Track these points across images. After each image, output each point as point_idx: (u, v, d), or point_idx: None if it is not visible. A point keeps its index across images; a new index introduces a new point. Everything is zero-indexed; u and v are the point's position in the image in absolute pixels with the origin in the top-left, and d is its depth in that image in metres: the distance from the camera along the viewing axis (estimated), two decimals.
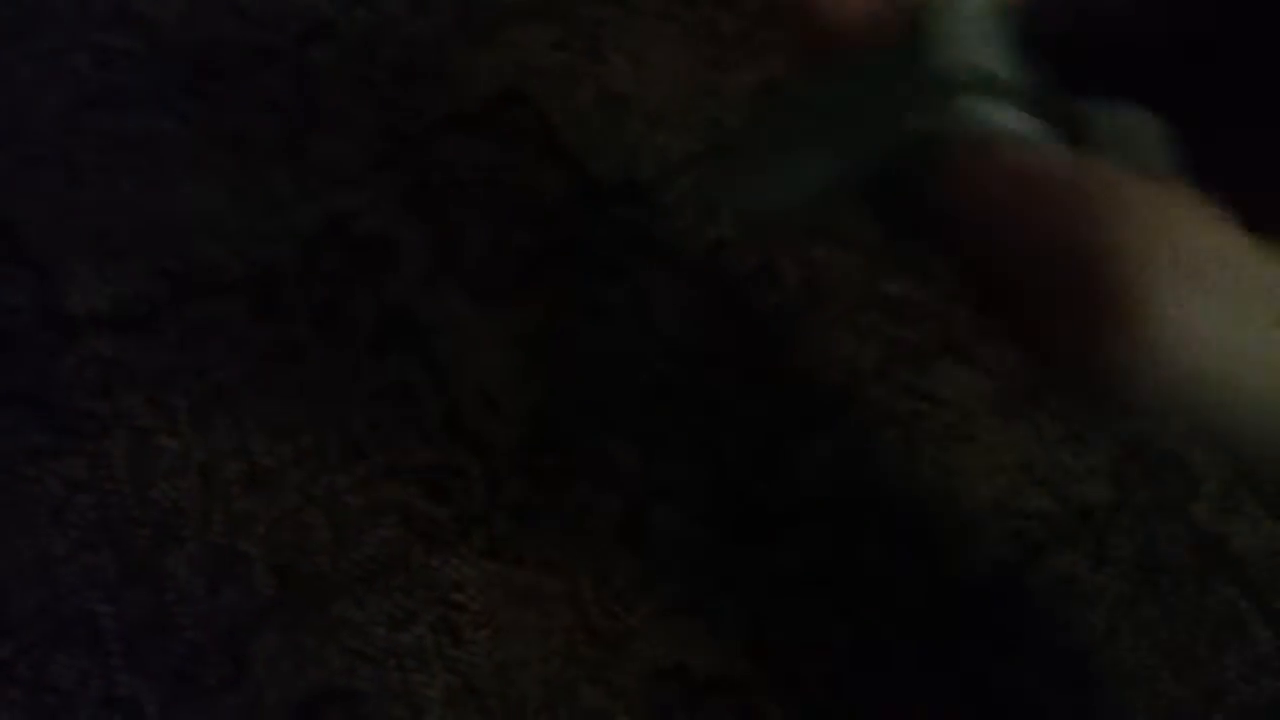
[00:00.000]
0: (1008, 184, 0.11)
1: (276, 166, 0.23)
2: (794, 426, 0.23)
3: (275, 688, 0.20)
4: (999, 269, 0.12)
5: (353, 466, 0.22)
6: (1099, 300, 0.10)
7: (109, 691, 0.19)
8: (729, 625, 0.22)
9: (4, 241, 0.21)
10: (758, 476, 0.23)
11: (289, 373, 0.22)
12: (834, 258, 0.24)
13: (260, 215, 0.22)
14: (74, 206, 0.21)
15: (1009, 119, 0.12)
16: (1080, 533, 0.22)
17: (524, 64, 0.24)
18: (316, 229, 0.23)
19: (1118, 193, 0.11)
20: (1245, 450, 0.11)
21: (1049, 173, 0.11)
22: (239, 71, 0.23)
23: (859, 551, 0.22)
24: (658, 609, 0.22)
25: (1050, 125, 0.12)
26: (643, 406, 0.23)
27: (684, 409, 0.23)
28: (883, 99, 0.12)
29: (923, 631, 0.22)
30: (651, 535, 0.22)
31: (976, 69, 0.12)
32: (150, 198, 0.22)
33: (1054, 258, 0.11)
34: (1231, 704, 0.21)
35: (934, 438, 0.23)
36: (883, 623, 0.22)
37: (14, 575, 0.20)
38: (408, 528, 0.22)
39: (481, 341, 0.23)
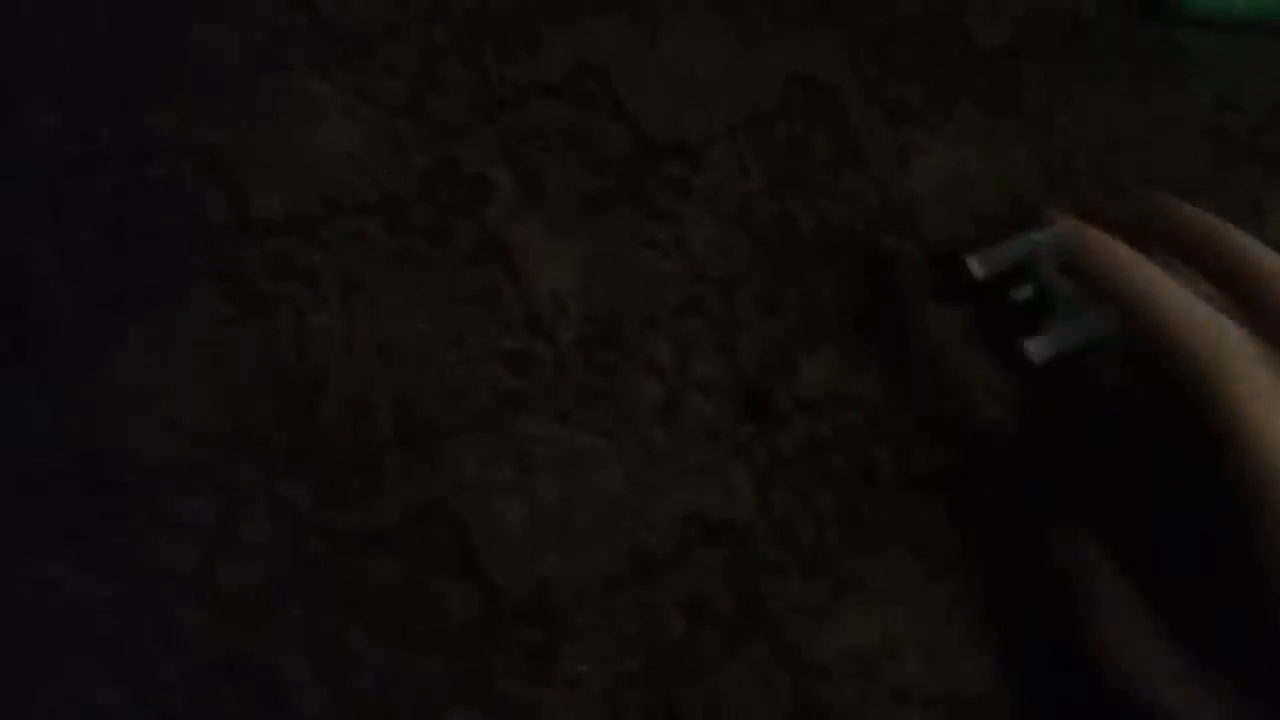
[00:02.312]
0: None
1: (401, 119, 0.39)
2: (799, 341, 0.38)
3: (398, 498, 0.36)
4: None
5: (457, 348, 0.37)
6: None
7: (273, 492, 0.35)
8: (739, 486, 0.37)
9: (204, 164, 0.37)
10: (766, 376, 0.38)
11: (410, 275, 0.37)
12: (841, 213, 0.39)
13: (389, 156, 0.38)
14: (256, 142, 0.37)
15: None
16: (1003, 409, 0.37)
17: (597, 44, 0.40)
18: (432, 168, 0.38)
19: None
20: None
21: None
22: (375, 42, 0.39)
23: (846, 439, 0.38)
24: (682, 466, 0.37)
25: None
26: (679, 317, 0.38)
27: (712, 321, 0.38)
28: None
29: (895, 503, 0.37)
30: (683, 415, 0.38)
31: None
32: (308, 137, 0.38)
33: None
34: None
35: (905, 355, 0.38)
36: (862, 493, 0.37)
37: (206, 400, 0.36)
38: (497, 395, 0.37)
39: (554, 260, 0.38)
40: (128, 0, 0.35)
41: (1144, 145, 0.38)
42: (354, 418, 0.32)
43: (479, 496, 0.32)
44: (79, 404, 0.31)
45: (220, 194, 0.34)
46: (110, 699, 0.29)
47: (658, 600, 0.32)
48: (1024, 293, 0.33)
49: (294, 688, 0.30)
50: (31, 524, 0.30)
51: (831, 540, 0.33)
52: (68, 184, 0.33)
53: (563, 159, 0.36)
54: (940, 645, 0.32)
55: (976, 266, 0.33)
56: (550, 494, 0.33)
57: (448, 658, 0.31)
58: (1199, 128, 0.38)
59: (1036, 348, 0.32)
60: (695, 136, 0.37)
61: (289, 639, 0.31)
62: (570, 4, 0.37)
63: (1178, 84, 0.38)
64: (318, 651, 0.31)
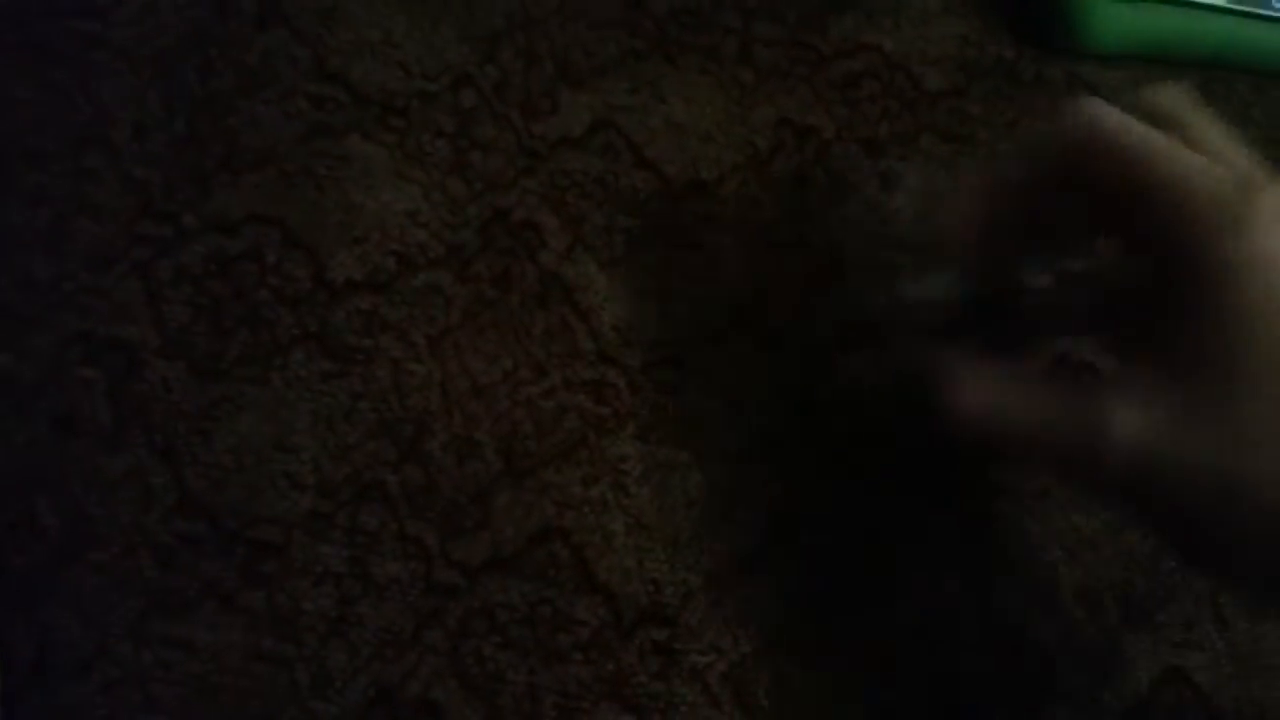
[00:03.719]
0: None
1: (450, 176, 0.48)
2: (835, 348, 0.50)
3: (510, 528, 0.44)
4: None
5: (541, 381, 0.46)
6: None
7: (402, 531, 0.43)
8: (808, 480, 0.47)
9: (280, 234, 0.45)
10: (807, 381, 0.49)
11: (487, 319, 0.46)
12: (845, 234, 0.51)
13: (446, 211, 0.47)
14: (324, 208, 0.46)
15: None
16: None
17: (609, 104, 0.51)
18: (486, 219, 0.48)
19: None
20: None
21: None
22: (411, 109, 0.48)
23: (885, 430, 0.49)
24: (756, 469, 0.47)
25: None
26: (725, 336, 0.49)
27: (754, 335, 0.49)
28: None
29: (930, 470, 0.48)
30: (741, 423, 0.48)
31: None
32: (369, 199, 0.46)
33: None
34: None
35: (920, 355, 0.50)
36: (912, 470, 0.48)
37: (322, 453, 0.43)
38: (584, 421, 0.46)
39: (611, 295, 0.48)
40: (177, 87, 0.43)
41: None
42: (461, 454, 0.41)
43: (585, 515, 0.41)
44: (200, 470, 0.38)
45: (300, 260, 0.42)
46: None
47: (755, 590, 0.42)
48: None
49: (448, 712, 0.38)
50: (168, 588, 0.37)
51: (892, 518, 0.44)
52: (156, 264, 0.40)
53: (599, 203, 0.46)
54: (993, 599, 0.43)
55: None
56: (646, 505, 0.42)
57: (584, 664, 0.39)
58: None
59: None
60: (709, 175, 0.48)
61: (436, 667, 0.38)
62: (578, 70, 0.48)
63: None
64: (465, 675, 0.38)
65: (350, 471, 0.40)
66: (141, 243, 0.41)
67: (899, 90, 0.53)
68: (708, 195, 0.49)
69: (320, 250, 0.43)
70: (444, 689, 0.39)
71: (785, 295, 0.47)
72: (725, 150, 0.50)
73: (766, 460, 0.45)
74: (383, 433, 0.41)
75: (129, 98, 0.43)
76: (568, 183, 0.47)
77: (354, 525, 0.39)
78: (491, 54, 0.49)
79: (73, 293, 0.41)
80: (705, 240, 0.48)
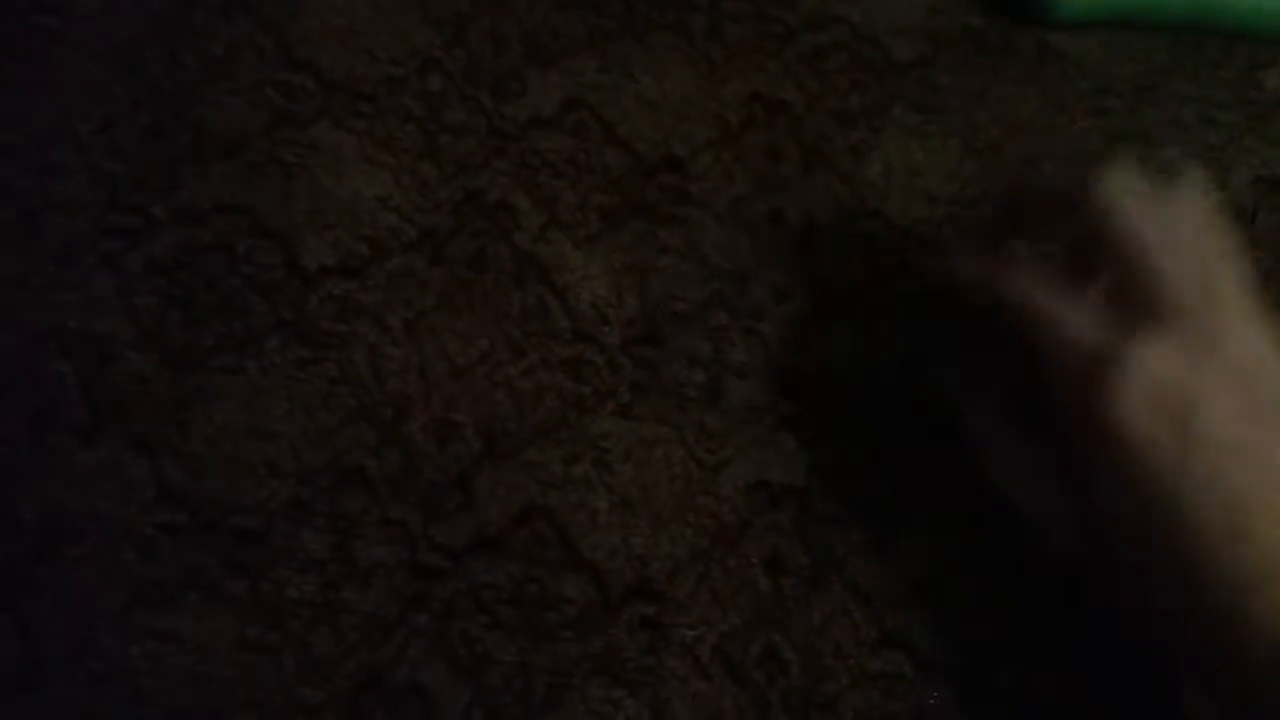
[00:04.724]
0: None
1: (421, 161, 0.48)
2: (812, 321, 0.50)
3: (494, 509, 0.44)
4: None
5: (518, 361, 0.46)
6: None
7: (384, 515, 0.43)
8: (791, 453, 0.48)
9: (250, 222, 0.45)
10: (791, 353, 0.50)
11: (463, 300, 0.46)
12: (820, 207, 0.51)
13: (417, 195, 0.48)
14: (293, 196, 0.46)
15: None
16: None
17: (579, 82, 0.51)
18: (458, 202, 0.48)
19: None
20: None
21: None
22: (380, 95, 0.48)
23: (869, 401, 0.49)
24: (740, 445, 0.47)
25: None
26: (705, 312, 0.49)
27: (735, 312, 0.49)
28: None
29: (910, 439, 0.48)
30: (727, 397, 0.48)
31: None
32: (340, 185, 0.47)
33: None
34: None
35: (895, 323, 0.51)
36: (892, 445, 0.49)
37: (301, 439, 0.43)
38: (563, 400, 0.46)
39: (587, 273, 0.48)
40: (143, 79, 0.43)
41: (1046, 129, 0.52)
42: (442, 437, 0.41)
43: (568, 494, 0.41)
44: (178, 461, 0.38)
45: (271, 248, 0.42)
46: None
47: (741, 562, 0.42)
48: None
49: (437, 693, 0.38)
50: (151, 580, 0.37)
51: (875, 488, 0.44)
52: (126, 257, 0.40)
53: (572, 182, 0.46)
54: (984, 563, 0.44)
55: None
56: (629, 482, 0.42)
57: (571, 642, 0.39)
58: (1085, 110, 0.53)
59: None
60: (682, 151, 0.48)
61: (423, 649, 0.38)
62: (547, 50, 0.48)
63: (1061, 76, 0.53)
64: (453, 656, 0.39)
65: (330, 457, 0.40)
66: (111, 235, 0.41)
67: (868, 61, 0.53)
68: (681, 171, 0.49)
69: (291, 238, 0.43)
70: (432, 671, 0.39)
71: (759, 272, 0.47)
72: (697, 126, 0.50)
73: (749, 435, 0.45)
74: (361, 417, 0.41)
75: (93, 91, 0.43)
76: (540, 162, 0.47)
77: (336, 511, 0.40)
78: (458, 37, 0.49)
79: (44, 287, 0.41)
80: (679, 215, 0.48)
